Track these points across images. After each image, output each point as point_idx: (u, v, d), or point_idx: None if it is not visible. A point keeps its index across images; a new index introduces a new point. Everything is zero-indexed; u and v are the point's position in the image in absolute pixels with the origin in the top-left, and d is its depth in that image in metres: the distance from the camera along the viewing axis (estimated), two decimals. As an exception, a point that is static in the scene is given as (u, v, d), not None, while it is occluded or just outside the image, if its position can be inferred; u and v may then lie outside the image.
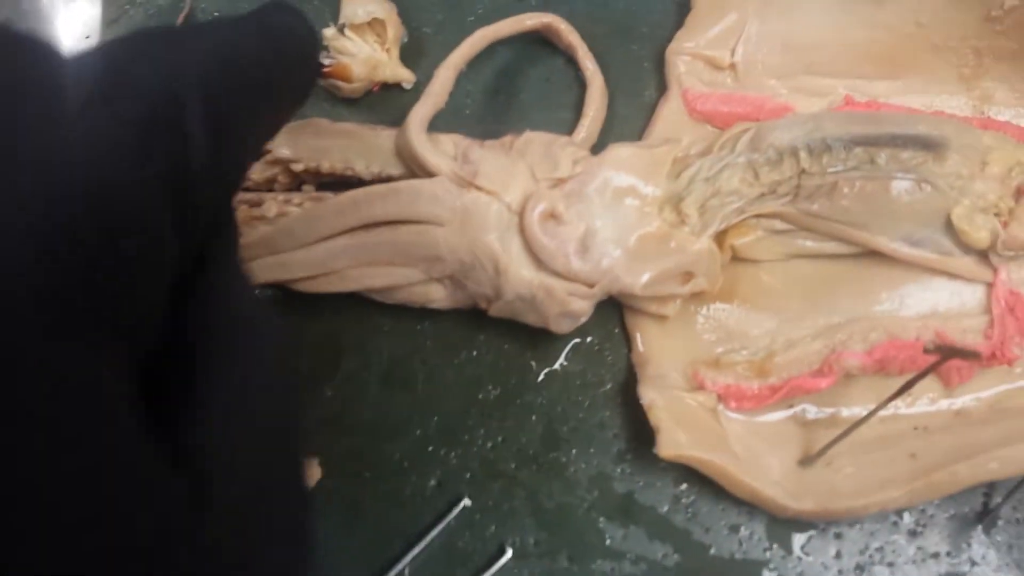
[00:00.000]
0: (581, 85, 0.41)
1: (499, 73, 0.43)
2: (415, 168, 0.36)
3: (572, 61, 0.42)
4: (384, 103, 0.43)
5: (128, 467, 0.16)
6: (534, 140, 0.37)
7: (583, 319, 0.36)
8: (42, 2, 0.47)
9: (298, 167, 0.37)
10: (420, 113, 0.37)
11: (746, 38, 0.40)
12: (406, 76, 0.43)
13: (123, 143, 0.17)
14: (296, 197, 0.37)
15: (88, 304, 0.16)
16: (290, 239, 0.35)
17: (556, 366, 0.39)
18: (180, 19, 0.45)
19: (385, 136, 0.38)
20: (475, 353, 0.39)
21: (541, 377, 0.39)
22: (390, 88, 0.43)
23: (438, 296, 0.36)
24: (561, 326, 0.35)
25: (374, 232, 0.35)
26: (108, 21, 0.46)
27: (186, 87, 0.18)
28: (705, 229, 0.36)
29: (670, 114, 0.40)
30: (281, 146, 0.38)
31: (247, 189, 0.39)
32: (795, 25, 0.40)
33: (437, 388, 0.39)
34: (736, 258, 0.37)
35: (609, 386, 0.38)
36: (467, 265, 0.35)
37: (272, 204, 0.36)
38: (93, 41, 0.47)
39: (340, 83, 0.41)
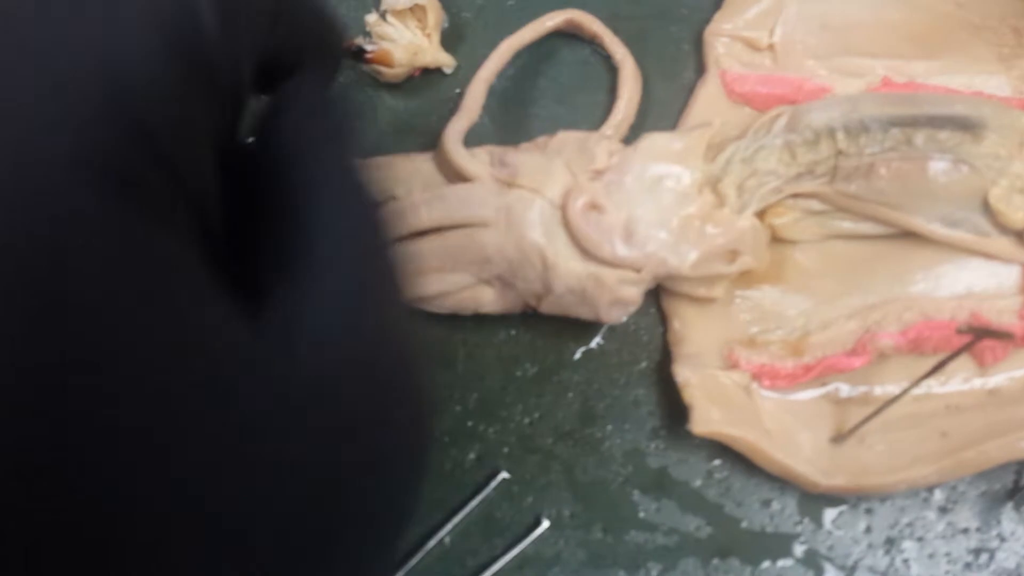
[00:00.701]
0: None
1: (538, 59, 0.44)
2: (453, 178, 0.38)
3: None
4: (425, 88, 0.44)
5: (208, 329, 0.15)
6: (568, 138, 0.38)
7: (634, 307, 0.36)
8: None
9: None
10: (455, 127, 0.38)
11: (784, 19, 0.40)
12: (447, 61, 0.43)
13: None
14: None
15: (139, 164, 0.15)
16: None
17: (592, 345, 0.40)
18: None
19: (421, 160, 0.39)
20: (513, 333, 0.40)
21: (578, 356, 0.40)
22: (431, 73, 0.44)
23: (488, 299, 0.37)
24: (612, 315, 0.36)
25: (421, 241, 0.36)
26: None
27: None
28: (744, 209, 0.36)
29: (708, 96, 0.40)
30: None
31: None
32: (833, 5, 0.40)
33: (477, 366, 0.40)
34: (773, 239, 0.37)
35: (644, 365, 0.39)
36: (515, 263, 0.36)
37: None
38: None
39: (382, 68, 0.42)
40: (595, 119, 0.41)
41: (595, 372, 0.39)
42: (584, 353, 0.40)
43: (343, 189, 0.20)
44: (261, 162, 0.20)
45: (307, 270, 0.18)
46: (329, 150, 0.20)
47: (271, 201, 0.19)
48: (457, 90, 0.44)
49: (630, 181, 0.36)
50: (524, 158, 0.37)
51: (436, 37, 0.44)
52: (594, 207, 0.36)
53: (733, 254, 0.36)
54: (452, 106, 0.43)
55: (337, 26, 0.24)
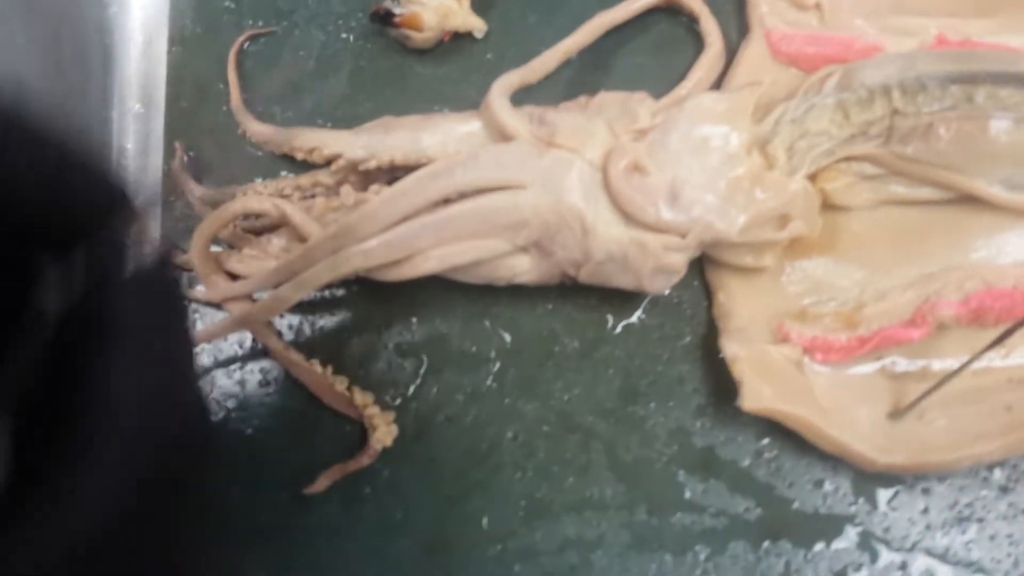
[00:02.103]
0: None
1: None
2: (494, 133, 0.36)
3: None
4: (455, 53, 0.42)
5: None
6: (609, 98, 0.36)
7: (678, 276, 0.35)
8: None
9: (370, 164, 0.37)
10: (508, 79, 0.37)
11: (832, -24, 0.38)
12: (477, 24, 0.42)
13: None
14: (373, 187, 0.37)
15: None
16: (371, 223, 0.35)
17: (634, 319, 0.38)
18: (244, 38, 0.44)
19: (455, 119, 0.38)
20: (551, 307, 0.39)
21: (618, 330, 0.38)
22: (461, 37, 0.42)
23: (524, 268, 0.36)
24: (656, 284, 0.35)
25: (455, 205, 0.35)
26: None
27: None
28: (795, 171, 0.34)
29: (753, 57, 0.38)
30: (351, 147, 0.37)
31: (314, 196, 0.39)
32: (885, -39, 0.38)
33: (513, 341, 0.39)
34: (825, 205, 0.35)
35: (688, 340, 0.38)
36: (553, 227, 0.34)
37: (350, 192, 0.36)
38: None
39: (411, 32, 0.41)
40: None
41: (637, 347, 0.38)
42: (625, 328, 0.38)
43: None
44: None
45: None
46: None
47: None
48: (489, 55, 0.42)
49: (675, 142, 0.35)
50: (564, 117, 0.36)
51: (466, 1, 0.42)
52: (637, 168, 0.34)
53: (783, 219, 0.34)
54: (484, 72, 0.41)
55: (111, 185, 0.22)
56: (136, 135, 0.46)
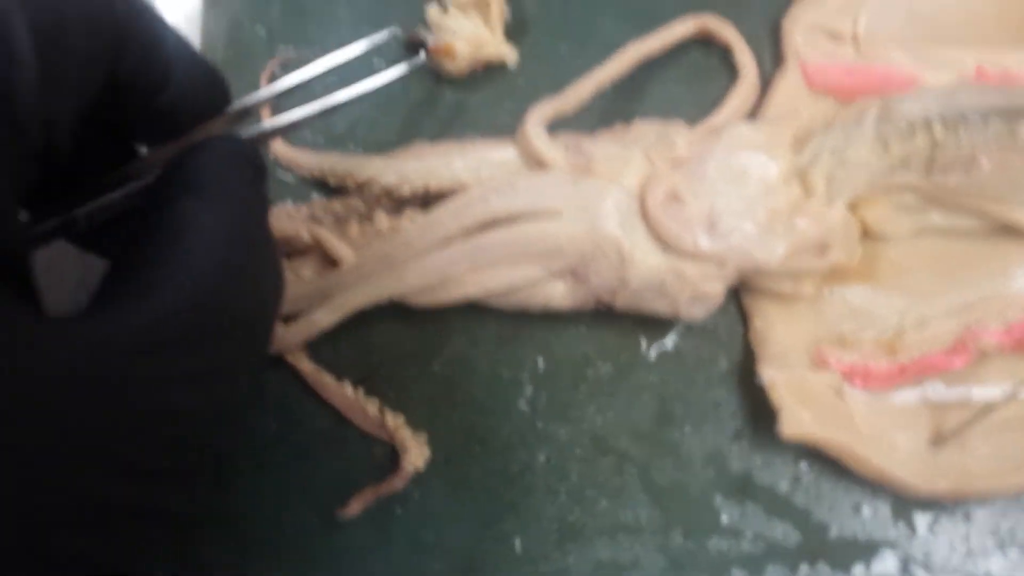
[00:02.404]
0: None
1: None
2: (530, 163, 0.36)
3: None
4: (487, 80, 0.43)
5: None
6: (646, 126, 0.36)
7: (716, 304, 0.35)
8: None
9: (404, 191, 0.37)
10: (543, 110, 0.37)
11: (869, 8, 0.39)
12: (509, 54, 0.42)
13: None
14: (407, 212, 0.37)
15: None
16: (406, 249, 0.35)
17: (668, 343, 0.38)
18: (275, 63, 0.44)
19: (488, 146, 0.38)
20: (584, 330, 0.39)
21: (653, 354, 0.38)
22: (493, 67, 0.43)
23: (559, 295, 0.36)
24: (693, 312, 0.35)
25: (491, 232, 0.35)
26: (209, 1, 0.47)
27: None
28: (833, 200, 0.35)
29: (788, 87, 0.39)
30: (385, 173, 0.38)
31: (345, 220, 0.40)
32: (919, -6, 0.39)
33: (546, 365, 0.39)
34: (864, 234, 0.36)
35: (724, 365, 0.38)
36: (589, 256, 0.34)
37: (384, 218, 0.37)
38: (193, 24, 0.47)
39: (444, 62, 0.41)
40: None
41: (671, 372, 0.38)
42: (659, 352, 0.38)
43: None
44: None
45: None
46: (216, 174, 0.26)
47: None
48: (520, 82, 0.43)
49: (712, 171, 0.35)
50: (600, 145, 0.36)
51: (499, 30, 0.42)
52: (674, 197, 0.35)
53: (823, 248, 0.35)
54: (516, 100, 0.42)
55: (216, 77, 0.29)
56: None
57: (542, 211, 0.35)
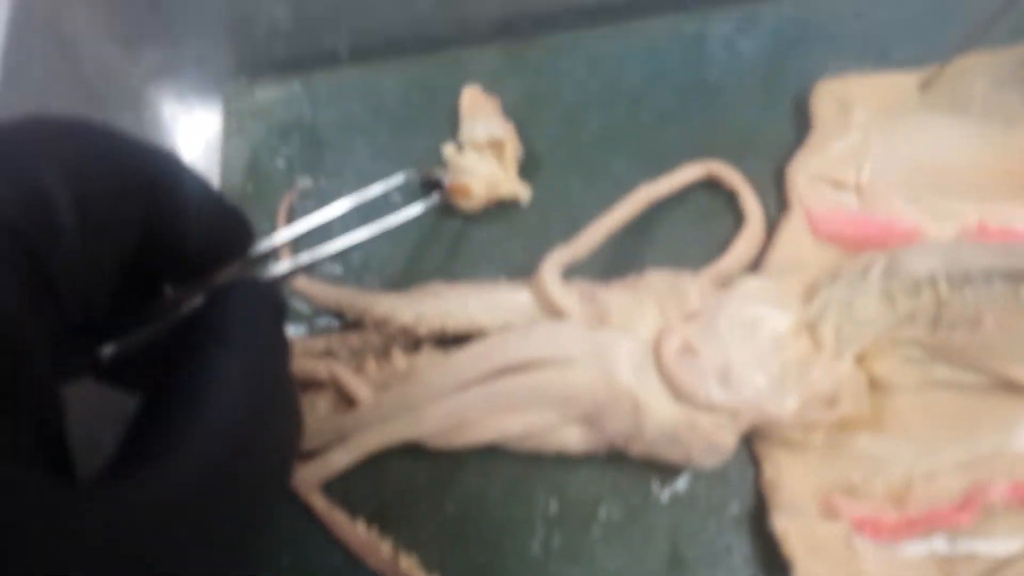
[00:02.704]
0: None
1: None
2: (546, 311, 0.37)
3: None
4: (501, 216, 0.44)
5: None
6: (658, 277, 0.37)
7: (729, 453, 0.35)
8: (163, 112, 0.49)
9: (421, 330, 0.38)
10: (558, 256, 0.38)
11: (873, 158, 0.40)
12: (523, 192, 0.43)
13: None
14: (424, 352, 0.38)
15: None
16: (425, 392, 0.36)
17: (680, 487, 0.38)
18: (293, 195, 0.46)
19: (504, 289, 0.39)
20: (597, 470, 0.39)
21: (665, 497, 0.38)
22: (507, 202, 0.44)
23: (574, 440, 0.36)
24: (706, 460, 0.35)
25: (508, 378, 0.36)
26: (229, 132, 0.48)
27: (57, 175, 0.21)
28: (842, 353, 0.35)
29: (793, 234, 0.40)
30: (402, 312, 0.38)
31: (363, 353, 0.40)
32: (923, 146, 0.40)
33: (558, 506, 0.39)
34: (871, 384, 0.36)
35: (735, 509, 0.38)
36: (604, 405, 0.35)
37: (401, 357, 0.37)
38: (212, 150, 0.49)
39: (460, 200, 0.42)
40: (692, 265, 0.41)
41: (683, 515, 0.38)
42: (671, 495, 0.38)
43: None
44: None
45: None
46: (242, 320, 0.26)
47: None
48: (533, 220, 0.44)
49: (724, 324, 0.36)
50: (614, 296, 0.37)
51: (513, 169, 0.44)
52: (688, 349, 0.35)
53: (832, 401, 0.35)
54: (529, 236, 0.43)
55: (240, 220, 0.29)
56: (182, 284, 0.46)
57: (559, 359, 0.36)
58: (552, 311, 0.37)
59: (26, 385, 0.21)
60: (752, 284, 0.36)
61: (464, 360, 0.36)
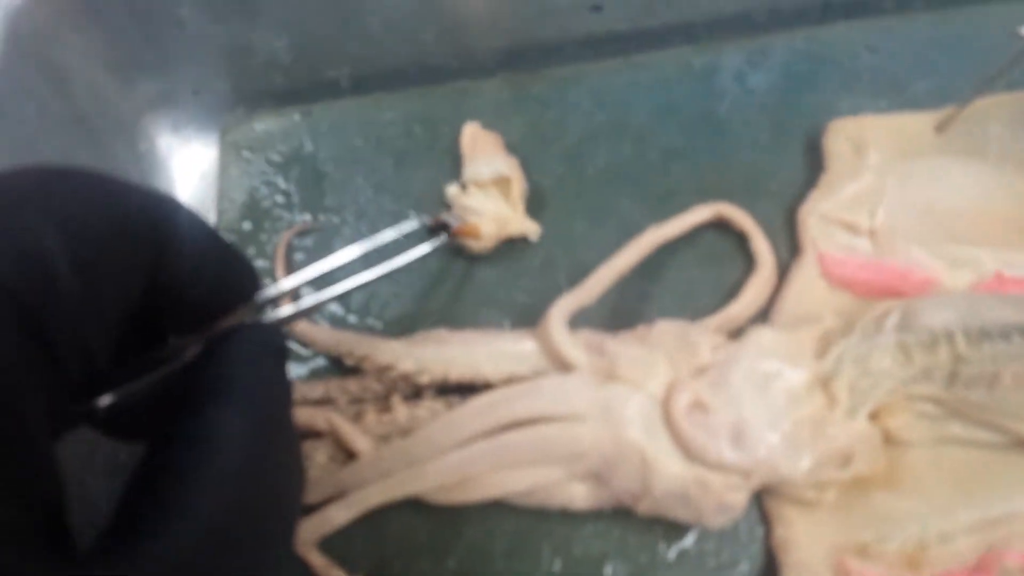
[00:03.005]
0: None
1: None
2: (552, 362, 0.36)
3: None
4: (506, 257, 0.43)
5: None
6: (668, 329, 0.36)
7: (740, 513, 0.34)
8: (159, 144, 0.48)
9: (423, 379, 0.37)
10: (564, 306, 0.37)
11: (887, 202, 0.39)
12: (533, 229, 0.42)
13: None
14: (425, 402, 0.37)
15: None
16: (427, 447, 0.35)
17: (687, 545, 0.37)
18: (292, 232, 0.44)
19: (509, 338, 0.38)
20: (603, 526, 0.38)
21: (672, 555, 0.37)
22: (513, 241, 0.43)
23: (580, 496, 0.35)
24: (716, 520, 0.34)
25: (513, 433, 0.35)
26: (226, 165, 0.47)
27: (53, 230, 0.21)
28: (856, 410, 0.34)
29: (805, 279, 0.39)
30: (404, 360, 0.37)
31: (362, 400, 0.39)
32: (938, 191, 0.39)
33: (562, 564, 0.38)
34: (885, 440, 0.35)
35: (745, 568, 0.37)
36: (612, 461, 0.34)
37: (401, 408, 0.36)
38: (209, 183, 0.47)
39: (469, 241, 0.41)
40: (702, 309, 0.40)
41: (691, 574, 0.37)
42: (679, 553, 0.37)
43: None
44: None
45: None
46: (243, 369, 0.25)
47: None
48: (538, 261, 0.43)
49: (737, 379, 0.35)
50: (623, 348, 0.36)
51: (521, 206, 0.43)
52: (699, 405, 0.34)
53: (847, 459, 0.34)
54: (534, 277, 0.42)
55: (244, 266, 0.28)
56: (176, 321, 0.45)
57: (566, 415, 0.35)
58: (559, 363, 0.36)
59: (21, 455, 0.20)
60: (765, 337, 0.35)
61: (468, 414, 0.35)
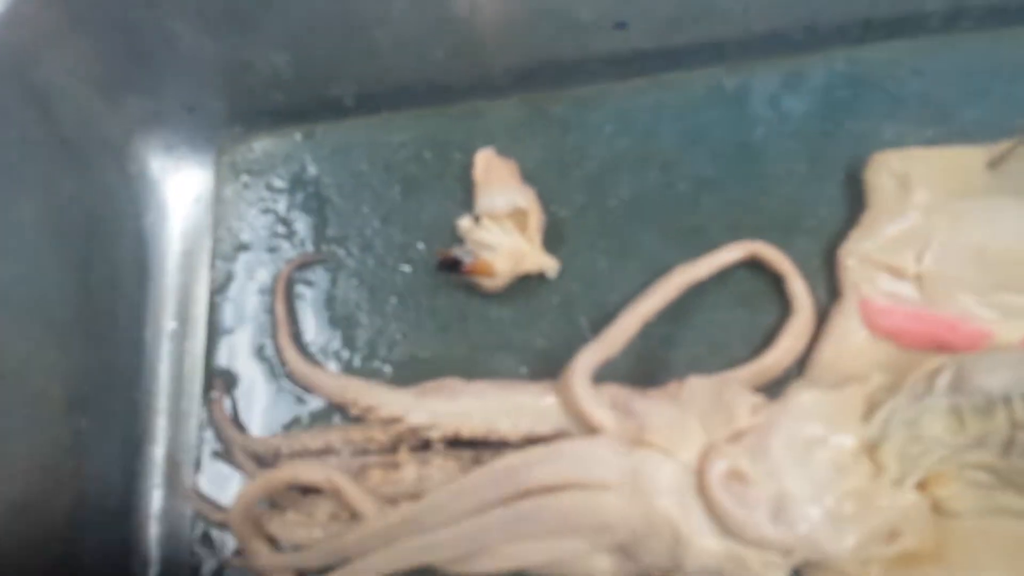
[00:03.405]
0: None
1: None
2: (575, 422, 0.34)
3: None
4: (522, 294, 0.40)
5: None
6: (702, 387, 0.34)
7: None
8: (150, 166, 0.45)
9: (433, 434, 0.35)
10: (587, 360, 0.34)
11: (934, 244, 0.36)
12: (550, 265, 0.39)
13: None
14: (435, 458, 0.34)
15: None
16: (437, 515, 0.33)
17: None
18: (293, 265, 0.42)
19: (528, 392, 0.35)
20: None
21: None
22: (531, 278, 0.40)
23: (604, 570, 0.33)
24: (752, 601, 0.32)
25: (531, 501, 0.32)
26: (222, 189, 0.44)
27: None
28: (904, 479, 0.32)
29: (845, 328, 0.36)
30: (413, 413, 0.35)
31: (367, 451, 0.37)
32: (991, 233, 0.36)
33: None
34: (933, 509, 0.33)
35: (781, 639, 0.34)
36: (640, 534, 0.31)
37: (410, 466, 0.34)
38: (204, 208, 0.44)
39: (482, 280, 0.38)
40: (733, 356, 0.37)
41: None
42: (709, 621, 0.35)
43: None
44: None
45: None
46: None
47: None
48: (556, 299, 0.40)
49: (777, 446, 0.32)
50: (653, 409, 0.33)
51: (538, 240, 0.40)
52: (736, 475, 0.32)
53: (893, 533, 0.32)
54: (552, 318, 0.39)
55: None
56: (171, 357, 0.43)
57: (590, 483, 0.32)
58: (582, 424, 0.34)
59: None
60: (807, 398, 0.33)
61: (483, 479, 0.33)
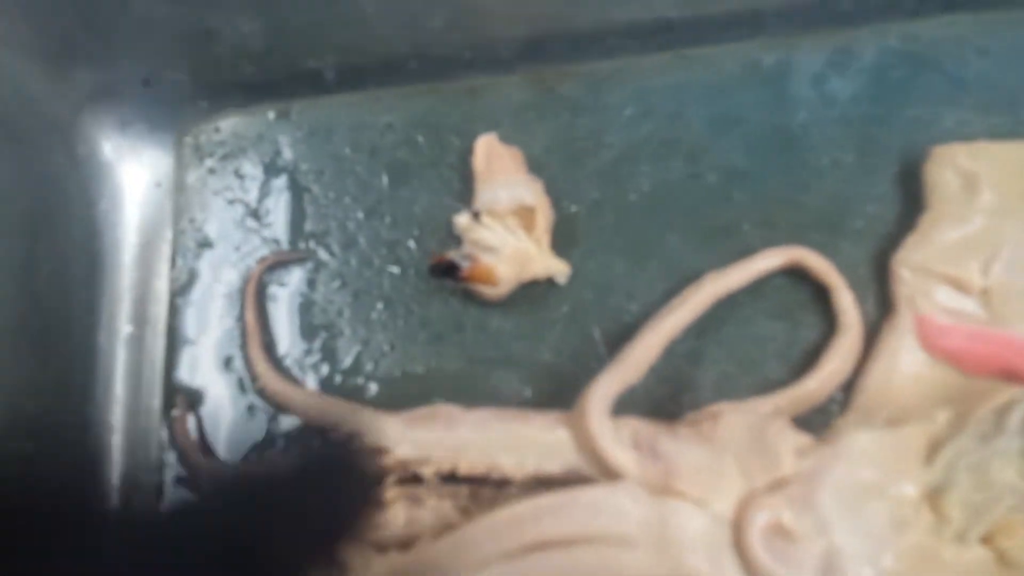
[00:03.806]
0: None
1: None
2: (591, 461, 0.30)
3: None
4: (526, 301, 0.36)
5: None
6: (738, 424, 0.30)
7: None
8: (102, 147, 0.40)
9: (425, 470, 0.31)
10: (605, 389, 0.30)
11: (1003, 254, 0.32)
12: (560, 268, 0.35)
13: None
14: (428, 498, 0.30)
15: None
16: (432, 569, 0.29)
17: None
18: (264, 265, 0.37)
19: (536, 424, 0.31)
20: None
21: None
22: (538, 284, 0.35)
23: (624, 637, 0.29)
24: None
25: (541, 556, 0.28)
26: (183, 174, 0.39)
27: None
28: (969, 531, 0.28)
29: (898, 349, 0.32)
30: (403, 443, 0.31)
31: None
32: (1070, 244, 0.32)
33: None
34: (999, 560, 0.29)
35: None
36: (668, 597, 0.27)
37: (399, 506, 0.30)
38: (164, 195, 0.39)
39: (482, 288, 0.34)
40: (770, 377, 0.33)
41: None
42: None
43: None
44: None
45: None
46: None
47: None
48: (565, 308, 0.35)
49: (827, 496, 0.28)
50: (682, 450, 0.29)
51: (546, 241, 0.35)
52: (779, 530, 0.28)
53: (957, 594, 0.28)
54: (560, 330, 0.35)
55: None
56: (127, 365, 0.38)
57: (610, 537, 0.29)
58: (600, 465, 0.29)
59: None
60: (862, 441, 0.29)
61: (483, 534, 0.29)
